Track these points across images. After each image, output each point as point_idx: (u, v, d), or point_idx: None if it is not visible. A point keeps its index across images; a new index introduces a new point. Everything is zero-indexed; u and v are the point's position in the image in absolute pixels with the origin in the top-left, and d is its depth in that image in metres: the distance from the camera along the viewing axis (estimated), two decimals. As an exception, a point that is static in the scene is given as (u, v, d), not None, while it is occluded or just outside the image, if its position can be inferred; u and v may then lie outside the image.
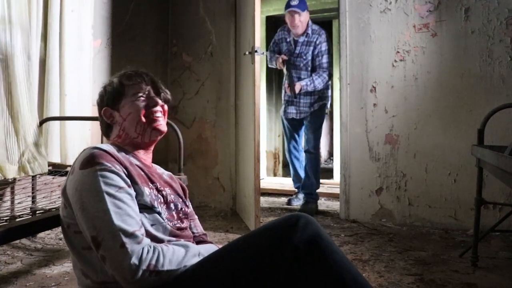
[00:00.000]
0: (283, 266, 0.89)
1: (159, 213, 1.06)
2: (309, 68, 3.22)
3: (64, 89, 2.44)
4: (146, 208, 1.03)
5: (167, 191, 1.15)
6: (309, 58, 3.20)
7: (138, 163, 1.12)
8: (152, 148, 1.21)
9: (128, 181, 1.02)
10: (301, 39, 3.20)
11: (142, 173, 1.10)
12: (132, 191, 1.01)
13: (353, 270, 0.90)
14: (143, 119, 1.14)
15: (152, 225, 1.03)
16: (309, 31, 3.19)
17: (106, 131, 1.21)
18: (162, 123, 1.17)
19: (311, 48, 3.18)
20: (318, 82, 3.15)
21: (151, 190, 1.08)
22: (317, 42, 3.17)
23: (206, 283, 0.93)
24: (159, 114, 1.17)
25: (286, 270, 0.88)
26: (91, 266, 1.00)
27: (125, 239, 0.91)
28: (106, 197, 0.95)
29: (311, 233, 0.91)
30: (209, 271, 0.94)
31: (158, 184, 1.12)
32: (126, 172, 1.03)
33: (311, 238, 0.90)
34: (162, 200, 1.10)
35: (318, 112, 3.30)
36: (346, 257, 0.93)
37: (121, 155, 1.07)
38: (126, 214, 0.95)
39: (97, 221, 0.94)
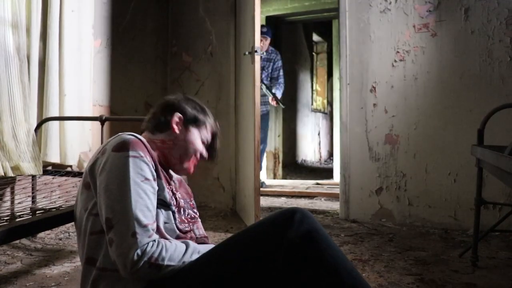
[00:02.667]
0: (279, 260, 0.89)
1: (173, 213, 1.08)
2: (268, 79, 4.22)
3: (64, 89, 2.44)
4: (164, 204, 1.05)
5: (179, 195, 1.17)
6: (270, 70, 4.21)
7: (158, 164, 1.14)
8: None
9: (155, 174, 1.03)
10: (263, 56, 4.08)
11: (162, 172, 1.12)
12: (155, 185, 1.03)
13: (349, 264, 0.91)
14: (191, 157, 1.20)
15: (165, 223, 1.05)
16: (269, 51, 4.20)
17: (154, 126, 1.20)
18: (192, 171, 1.23)
19: (271, 63, 4.20)
20: (282, 91, 4.27)
21: (169, 190, 1.10)
22: (275, 60, 4.20)
23: (204, 278, 0.94)
24: (197, 161, 1.23)
25: (282, 264, 0.89)
26: (98, 251, 1.01)
27: (137, 229, 0.92)
28: (132, 184, 0.96)
29: (307, 227, 0.91)
30: (206, 266, 0.95)
31: (173, 187, 1.15)
32: (154, 165, 1.04)
33: (307, 232, 0.90)
34: (175, 203, 1.12)
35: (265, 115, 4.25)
36: (341, 251, 0.93)
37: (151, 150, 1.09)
38: (145, 205, 0.96)
39: (116, 204, 0.95)
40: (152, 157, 1.05)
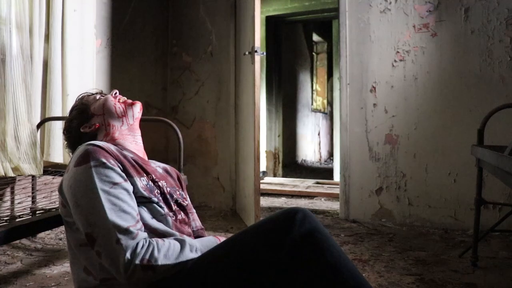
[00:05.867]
0: (280, 260, 0.89)
1: (158, 203, 1.06)
2: None
3: (66, 89, 2.45)
4: (144, 201, 1.04)
5: (163, 183, 1.15)
6: None
7: (131, 155, 1.13)
8: (139, 134, 1.26)
9: (124, 175, 1.02)
10: None
11: (137, 165, 1.10)
12: (128, 185, 1.01)
13: (350, 264, 0.91)
14: (117, 101, 1.24)
15: (152, 217, 1.04)
16: None
17: (89, 136, 1.22)
18: (129, 100, 1.27)
19: None
20: None
21: (148, 181, 1.09)
22: None
23: (206, 279, 0.93)
24: (122, 96, 1.28)
25: (283, 263, 0.89)
26: (92, 263, 1.01)
27: (119, 235, 0.91)
28: (101, 193, 0.95)
29: (309, 227, 0.91)
30: (208, 267, 0.95)
31: (153, 175, 1.13)
32: (121, 167, 1.03)
33: (308, 232, 0.90)
34: (158, 191, 1.11)
35: None
36: (343, 251, 0.93)
37: (115, 149, 1.08)
38: (121, 210, 0.95)
39: (91, 218, 0.94)
40: (117, 158, 1.04)
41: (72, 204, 0.98)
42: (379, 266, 2.00)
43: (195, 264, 0.96)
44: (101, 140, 1.19)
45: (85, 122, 1.22)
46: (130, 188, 1.01)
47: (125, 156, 1.09)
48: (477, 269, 1.96)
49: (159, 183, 1.13)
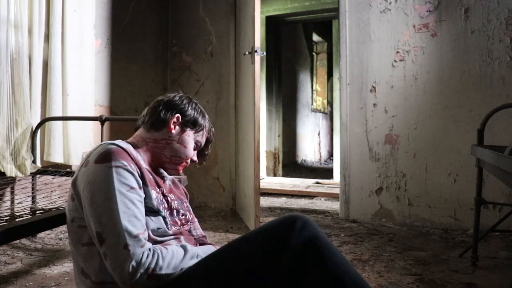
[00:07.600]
0: (281, 269, 0.88)
1: (164, 218, 1.06)
2: None
3: (66, 89, 2.45)
4: (152, 211, 1.03)
5: (172, 197, 1.15)
6: None
7: (147, 166, 1.13)
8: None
9: (140, 182, 1.02)
10: None
11: (151, 176, 1.10)
12: (142, 193, 1.01)
13: (352, 271, 0.89)
14: (182, 160, 1.19)
15: (158, 228, 1.03)
16: None
17: (151, 123, 1.17)
18: (180, 172, 1.22)
19: None
20: None
21: (158, 194, 1.08)
22: None
23: (202, 286, 0.93)
24: (187, 164, 1.22)
25: (284, 273, 0.88)
26: (91, 264, 1.00)
27: (129, 241, 0.91)
28: (117, 195, 0.94)
29: (309, 235, 0.90)
30: (205, 273, 0.94)
31: (164, 189, 1.13)
32: (139, 173, 1.02)
33: (308, 240, 0.89)
34: (166, 206, 1.10)
35: None
36: (344, 258, 0.92)
37: (136, 155, 1.07)
38: (133, 215, 0.95)
39: (104, 218, 0.93)
40: (137, 164, 1.03)
41: (87, 201, 0.97)
42: (379, 266, 2.00)
43: (193, 272, 0.96)
44: (146, 135, 1.17)
45: (182, 120, 1.17)
46: (143, 196, 1.01)
47: (142, 165, 1.08)
48: (477, 269, 1.96)
49: (168, 197, 1.12)
